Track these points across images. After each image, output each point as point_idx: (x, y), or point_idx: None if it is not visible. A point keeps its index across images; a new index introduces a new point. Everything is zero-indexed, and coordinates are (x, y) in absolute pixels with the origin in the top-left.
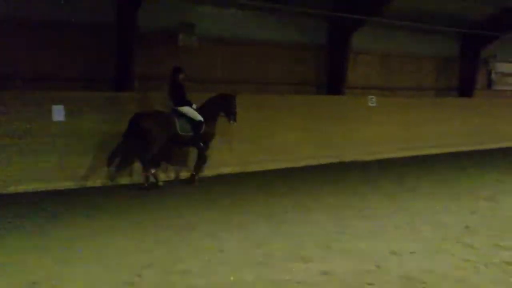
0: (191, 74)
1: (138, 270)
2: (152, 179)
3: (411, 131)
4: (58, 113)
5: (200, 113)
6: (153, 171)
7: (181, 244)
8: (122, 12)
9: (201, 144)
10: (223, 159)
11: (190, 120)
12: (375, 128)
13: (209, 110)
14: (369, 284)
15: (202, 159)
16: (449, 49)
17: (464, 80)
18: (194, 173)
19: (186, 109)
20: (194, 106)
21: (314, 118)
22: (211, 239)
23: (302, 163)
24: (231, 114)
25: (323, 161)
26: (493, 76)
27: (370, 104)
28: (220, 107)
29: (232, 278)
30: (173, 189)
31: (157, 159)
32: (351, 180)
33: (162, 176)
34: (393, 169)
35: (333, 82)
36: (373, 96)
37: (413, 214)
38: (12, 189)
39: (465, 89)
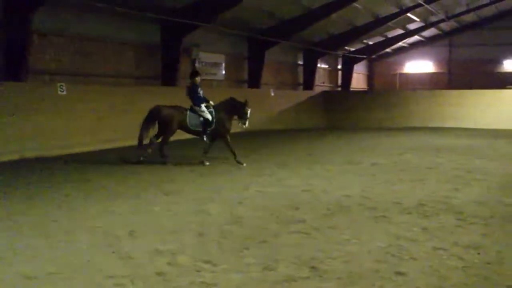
0: None
1: None
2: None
3: (107, 122)
4: None
5: (215, 111)
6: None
7: None
8: None
9: (205, 138)
10: None
11: (201, 117)
12: (65, 120)
13: (222, 110)
14: None
15: (227, 148)
16: (151, 36)
17: (166, 68)
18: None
19: (199, 109)
20: (211, 103)
21: None
22: None
23: None
24: (242, 118)
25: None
26: (197, 65)
27: (60, 92)
28: (233, 110)
29: None
30: None
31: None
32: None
33: None
34: (81, 167)
35: (12, 66)
36: (63, 84)
37: (70, 225)
38: None
39: (168, 78)
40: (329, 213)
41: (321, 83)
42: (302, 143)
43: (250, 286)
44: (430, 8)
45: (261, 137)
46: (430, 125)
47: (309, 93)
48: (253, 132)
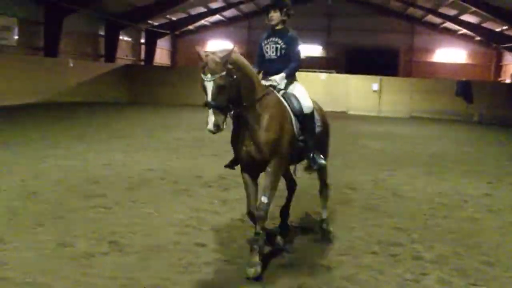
0: None
1: None
2: None
3: None
4: None
5: None
6: None
7: None
8: None
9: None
10: None
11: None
12: None
13: None
14: None
15: None
16: None
17: None
18: None
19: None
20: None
21: None
22: None
23: None
24: None
25: None
26: None
27: None
28: None
29: None
30: None
31: None
32: None
33: None
34: None
35: None
36: None
37: None
38: None
39: None
40: (130, 187)
41: (124, 56)
42: (102, 117)
43: (43, 263)
44: None
45: (58, 109)
46: None
47: (110, 66)
48: (47, 104)
